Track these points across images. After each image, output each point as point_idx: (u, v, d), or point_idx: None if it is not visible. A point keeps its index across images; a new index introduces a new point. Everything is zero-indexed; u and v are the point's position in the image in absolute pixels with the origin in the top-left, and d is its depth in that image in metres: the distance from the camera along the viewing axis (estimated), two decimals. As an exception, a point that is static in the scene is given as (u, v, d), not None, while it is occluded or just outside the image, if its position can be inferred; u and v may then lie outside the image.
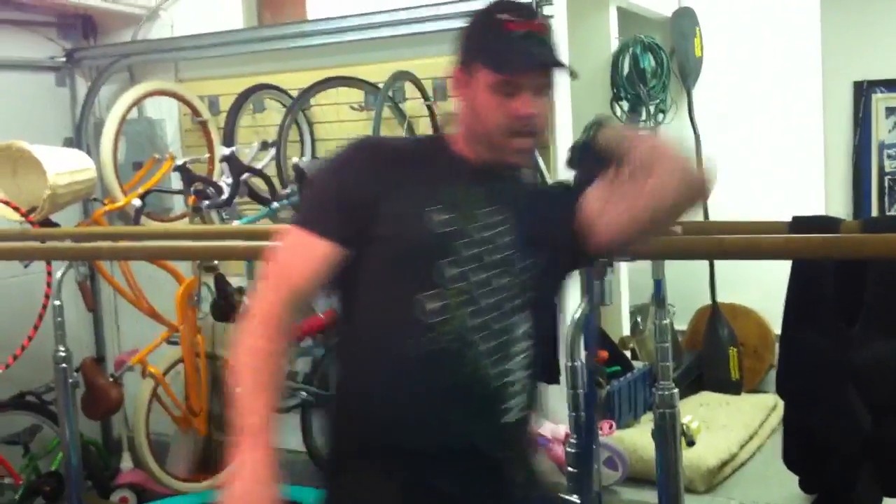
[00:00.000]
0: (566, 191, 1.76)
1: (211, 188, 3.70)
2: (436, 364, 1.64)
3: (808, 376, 2.36)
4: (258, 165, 3.96)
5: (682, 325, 5.04)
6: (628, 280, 4.66)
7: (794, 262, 2.36)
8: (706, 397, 4.68)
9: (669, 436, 2.57)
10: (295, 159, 3.57)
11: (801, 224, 2.35)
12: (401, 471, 1.66)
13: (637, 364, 4.51)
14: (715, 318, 4.89)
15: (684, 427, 3.69)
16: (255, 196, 3.82)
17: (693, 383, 4.81)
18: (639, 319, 4.92)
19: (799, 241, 2.16)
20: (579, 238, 1.68)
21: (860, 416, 2.27)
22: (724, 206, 4.55)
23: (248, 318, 1.64)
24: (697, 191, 1.61)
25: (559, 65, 1.68)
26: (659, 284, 2.58)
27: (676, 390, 2.61)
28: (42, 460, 4.06)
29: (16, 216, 3.62)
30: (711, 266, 4.79)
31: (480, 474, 1.69)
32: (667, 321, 2.65)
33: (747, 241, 2.17)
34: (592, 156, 1.64)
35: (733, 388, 4.77)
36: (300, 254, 1.65)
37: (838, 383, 2.31)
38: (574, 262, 1.87)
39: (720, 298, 4.89)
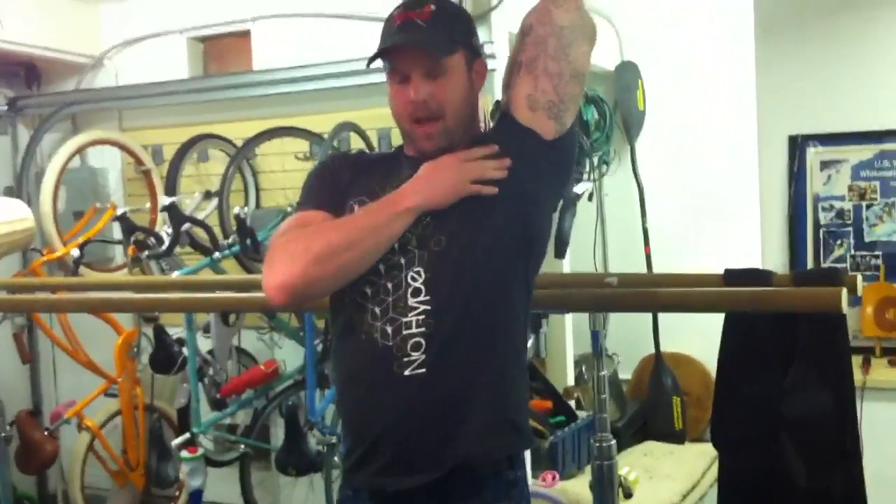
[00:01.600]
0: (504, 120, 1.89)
1: (151, 238, 3.67)
2: (342, 338, 1.83)
3: (741, 426, 2.36)
4: (201, 215, 3.94)
5: (626, 374, 5.06)
6: (573, 330, 4.67)
7: (727, 315, 2.39)
8: (650, 447, 4.68)
9: (607, 488, 2.57)
10: (237, 209, 3.55)
11: (733, 277, 2.37)
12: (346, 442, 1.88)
13: (582, 414, 4.50)
14: (659, 367, 4.90)
15: (622, 479, 3.68)
16: (197, 246, 3.79)
17: (637, 432, 4.82)
18: (583, 369, 4.93)
19: (730, 294, 2.19)
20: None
21: (794, 467, 2.28)
22: (665, 257, 4.67)
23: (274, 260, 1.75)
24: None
25: (424, 43, 1.77)
26: (597, 336, 2.59)
27: (614, 442, 2.62)
28: (-27, 516, 3.95)
29: (-50, 266, 3.56)
30: (655, 316, 4.82)
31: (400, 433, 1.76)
32: (604, 372, 2.66)
33: (681, 294, 2.20)
34: None
35: (677, 437, 4.77)
36: (299, 222, 1.81)
37: (772, 433, 2.32)
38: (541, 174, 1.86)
39: (664, 348, 4.91)
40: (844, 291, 1.96)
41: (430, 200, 1.77)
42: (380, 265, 1.77)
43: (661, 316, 4.84)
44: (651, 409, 4.91)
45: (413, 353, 1.73)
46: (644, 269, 4.82)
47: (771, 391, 2.34)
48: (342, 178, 1.87)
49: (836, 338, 2.23)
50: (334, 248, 1.71)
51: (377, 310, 1.76)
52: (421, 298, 1.74)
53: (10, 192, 4.47)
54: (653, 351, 4.91)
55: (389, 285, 1.76)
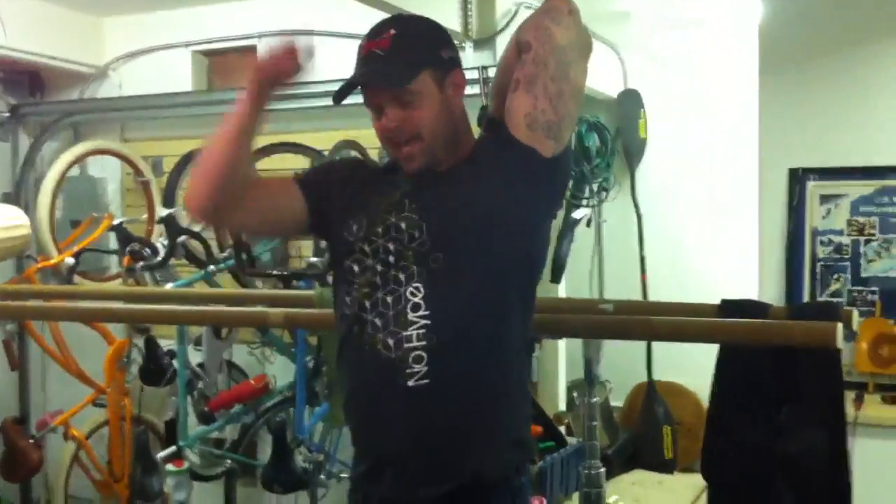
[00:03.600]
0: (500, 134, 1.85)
1: (147, 249, 3.66)
2: (346, 351, 1.87)
3: (734, 462, 2.34)
4: (198, 228, 3.93)
5: (618, 401, 5.03)
6: (566, 355, 4.65)
7: (722, 347, 2.37)
8: (640, 475, 4.65)
9: (595, 515, 2.55)
10: (231, 223, 3.54)
11: (729, 307, 2.36)
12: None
13: (571, 440, 4.48)
14: (651, 395, 4.88)
15: (609, 507, 3.65)
16: (193, 258, 3.78)
17: (628, 461, 4.79)
18: (575, 395, 4.88)
19: (726, 325, 2.18)
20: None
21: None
22: (662, 286, 4.66)
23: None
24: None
25: (380, 77, 1.80)
26: (590, 363, 2.58)
27: (603, 470, 2.61)
28: (-44, 523, 3.92)
29: (-57, 271, 3.55)
30: (648, 344, 4.81)
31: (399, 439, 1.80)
32: (596, 399, 2.66)
33: (675, 323, 2.19)
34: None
35: (667, 467, 4.74)
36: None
37: (765, 471, 2.30)
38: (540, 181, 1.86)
39: (658, 376, 4.88)
40: (840, 326, 1.95)
41: (244, 120, 1.83)
42: (377, 278, 1.80)
43: (655, 344, 4.82)
44: (642, 437, 4.87)
45: (415, 366, 1.76)
46: (640, 297, 4.82)
47: (765, 427, 2.32)
48: (334, 186, 1.93)
49: (832, 374, 2.22)
50: (204, 155, 1.86)
51: (378, 322, 1.79)
52: (421, 313, 1.76)
53: (8, 198, 4.47)
54: (646, 379, 4.90)
55: (389, 299, 1.79)
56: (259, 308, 2.73)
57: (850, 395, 4.57)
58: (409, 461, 1.81)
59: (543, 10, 1.83)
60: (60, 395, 4.39)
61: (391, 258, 1.80)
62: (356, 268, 1.84)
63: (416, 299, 1.77)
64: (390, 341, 1.77)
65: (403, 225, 1.81)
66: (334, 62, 3.94)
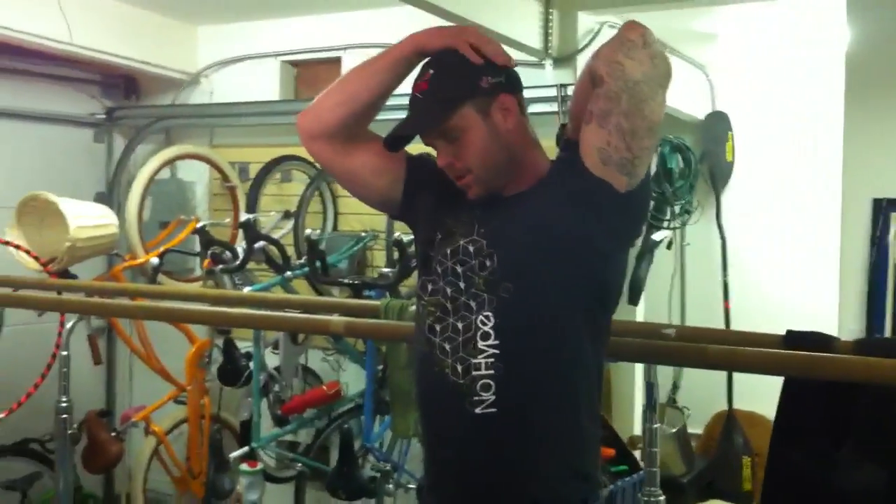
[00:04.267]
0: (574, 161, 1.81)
1: (227, 252, 3.75)
2: (418, 366, 1.89)
3: (791, 497, 2.29)
4: (279, 234, 4.02)
5: (697, 428, 4.95)
6: (642, 378, 4.60)
7: (785, 378, 2.32)
8: (715, 505, 4.57)
9: (654, 544, 2.52)
10: (308, 231, 3.61)
11: (794, 339, 2.31)
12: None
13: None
14: (730, 425, 4.79)
15: (671, 535, 3.58)
16: (272, 263, 3.86)
17: (704, 490, 4.70)
18: (651, 419, 4.84)
19: (783, 356, 2.12)
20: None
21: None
22: (745, 314, 4.58)
23: None
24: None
25: (415, 126, 1.81)
26: (651, 387, 2.54)
27: (663, 497, 2.57)
28: (38, 509, 4.07)
29: (35, 265, 3.70)
30: (729, 373, 4.72)
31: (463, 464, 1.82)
32: (657, 425, 2.61)
33: (729, 353, 2.14)
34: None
35: (744, 499, 4.65)
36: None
37: (822, 507, 2.25)
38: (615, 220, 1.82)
39: (739, 405, 4.80)
40: (906, 365, 1.89)
41: (422, 44, 1.84)
42: (447, 302, 1.81)
43: (738, 373, 4.73)
44: (719, 466, 4.79)
45: (483, 394, 1.76)
46: (722, 325, 4.74)
47: (825, 464, 2.27)
48: (437, 178, 1.89)
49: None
50: (344, 79, 1.89)
51: (447, 346, 1.80)
52: (490, 342, 1.76)
53: (101, 198, 4.63)
54: (726, 407, 4.81)
55: (460, 325, 1.79)
56: (321, 316, 2.77)
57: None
58: (472, 485, 1.82)
59: (617, 40, 1.75)
60: (146, 391, 4.51)
61: (461, 283, 1.80)
62: (429, 286, 1.85)
63: (485, 328, 1.76)
64: (459, 367, 1.77)
65: (472, 249, 1.81)
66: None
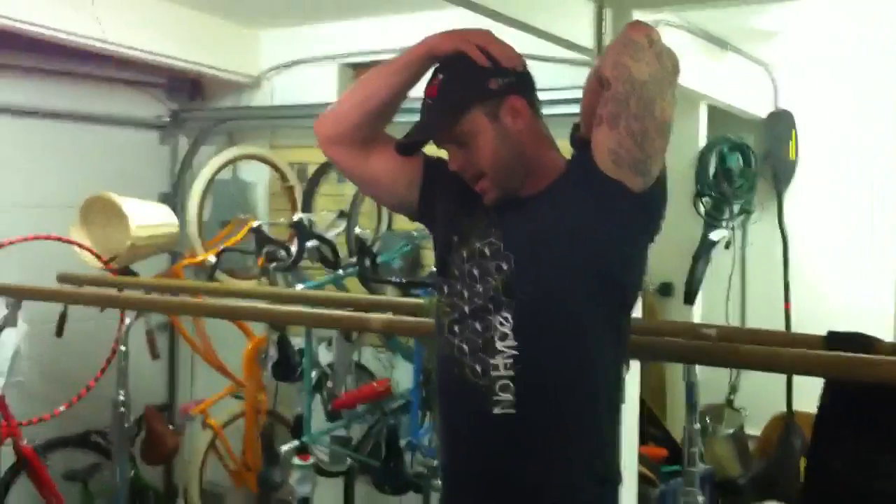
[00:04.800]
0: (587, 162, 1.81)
1: (282, 251, 3.82)
2: (438, 366, 1.93)
3: (830, 501, 2.26)
4: (333, 233, 4.07)
5: (755, 429, 4.88)
6: (699, 380, 4.55)
7: (826, 381, 2.28)
8: (772, 508, 4.50)
9: (694, 545, 2.51)
10: (358, 230, 3.66)
11: (835, 340, 2.27)
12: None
13: (700, 466, 4.37)
14: (789, 427, 4.71)
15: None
16: (326, 262, 3.92)
17: (761, 492, 4.64)
18: (708, 420, 4.80)
19: (819, 358, 2.10)
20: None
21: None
22: (806, 315, 4.49)
23: None
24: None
25: (422, 132, 1.85)
26: (691, 387, 2.53)
27: (701, 498, 2.55)
28: (99, 499, 4.18)
29: (97, 263, 3.82)
30: (788, 374, 4.64)
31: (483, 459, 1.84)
32: (698, 426, 2.59)
33: (765, 354, 2.12)
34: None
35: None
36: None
37: (862, 512, 2.21)
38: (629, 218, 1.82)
39: (800, 407, 4.70)
40: (939, 367, 1.85)
41: (434, 47, 1.85)
42: (465, 306, 1.82)
43: (797, 376, 4.65)
44: (777, 468, 4.71)
45: (502, 394, 1.77)
46: (783, 326, 4.66)
47: (865, 469, 2.23)
48: (455, 179, 1.91)
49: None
50: (361, 81, 1.93)
51: (465, 347, 1.81)
52: (508, 343, 1.77)
53: (166, 198, 4.76)
54: (785, 409, 4.73)
55: (479, 326, 1.81)
56: (361, 314, 2.81)
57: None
58: (490, 484, 1.84)
59: (621, 42, 1.75)
60: (207, 386, 4.62)
61: (478, 286, 1.81)
62: (446, 288, 1.88)
63: (504, 329, 1.78)
64: (478, 368, 1.79)
65: (488, 251, 1.82)
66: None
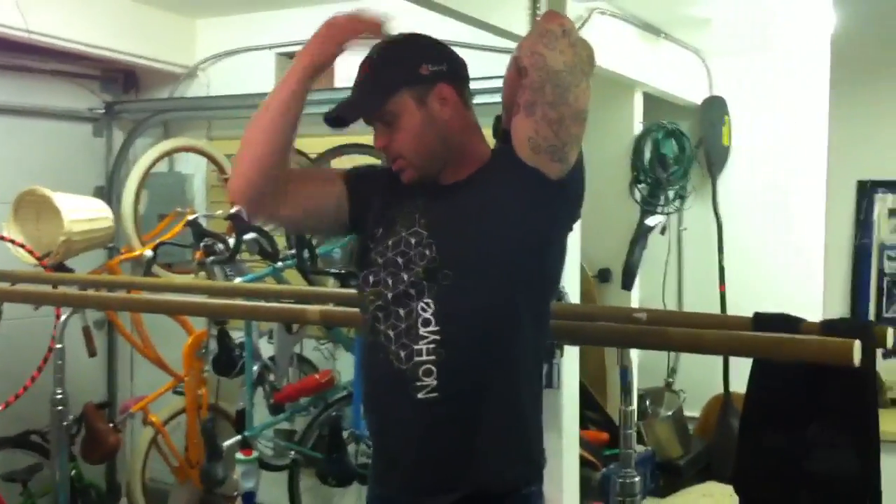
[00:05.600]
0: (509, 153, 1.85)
1: (220, 244, 3.78)
2: (364, 355, 1.95)
3: (761, 478, 2.31)
4: (258, 222, 4.04)
5: (694, 411, 4.98)
6: (638, 363, 4.62)
7: (754, 361, 2.34)
8: (711, 487, 4.57)
9: (632, 525, 2.55)
10: (296, 222, 3.65)
11: (762, 321, 2.33)
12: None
13: (640, 448, 4.44)
14: (727, 407, 4.80)
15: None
16: (265, 254, 3.89)
17: (701, 472, 4.73)
18: (648, 403, 4.88)
19: (745, 338, 2.15)
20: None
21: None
22: (740, 298, 4.59)
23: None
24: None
25: (347, 109, 1.87)
26: (625, 373, 2.57)
27: (637, 478, 2.60)
28: (41, 499, 4.12)
29: (31, 259, 3.76)
30: (725, 356, 4.73)
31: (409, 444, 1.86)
32: (632, 408, 2.63)
33: (693, 336, 2.17)
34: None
35: (741, 481, 4.65)
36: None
37: (791, 487, 2.27)
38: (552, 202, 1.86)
39: (736, 388, 4.80)
40: (857, 345, 1.90)
41: (315, 59, 1.87)
42: (389, 293, 1.84)
43: (735, 357, 4.74)
44: (716, 449, 4.81)
45: (425, 379, 1.80)
46: (718, 308, 4.75)
47: (793, 445, 2.28)
48: (379, 183, 1.95)
49: (864, 393, 2.17)
50: (247, 135, 1.88)
51: (391, 333, 1.84)
52: (431, 329, 1.80)
53: (100, 191, 4.69)
54: (722, 391, 4.82)
55: (401, 312, 1.83)
56: (298, 305, 2.81)
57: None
58: (417, 470, 1.86)
59: (537, 32, 1.79)
60: (147, 383, 4.55)
61: (402, 273, 1.84)
62: (371, 278, 1.89)
63: (426, 314, 1.81)
64: (402, 353, 1.82)
65: (413, 240, 1.85)
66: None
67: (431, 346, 1.80)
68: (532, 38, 1.78)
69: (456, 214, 1.85)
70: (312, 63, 1.86)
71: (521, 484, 1.89)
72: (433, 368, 1.79)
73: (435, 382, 1.79)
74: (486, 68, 2.89)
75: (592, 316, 2.45)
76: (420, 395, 1.80)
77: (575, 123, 1.78)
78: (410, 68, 1.84)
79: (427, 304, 1.81)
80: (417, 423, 1.82)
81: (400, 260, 1.85)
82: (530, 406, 1.92)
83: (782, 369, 2.29)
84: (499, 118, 1.97)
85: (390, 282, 1.85)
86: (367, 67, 1.86)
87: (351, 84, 1.90)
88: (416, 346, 1.80)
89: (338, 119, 1.88)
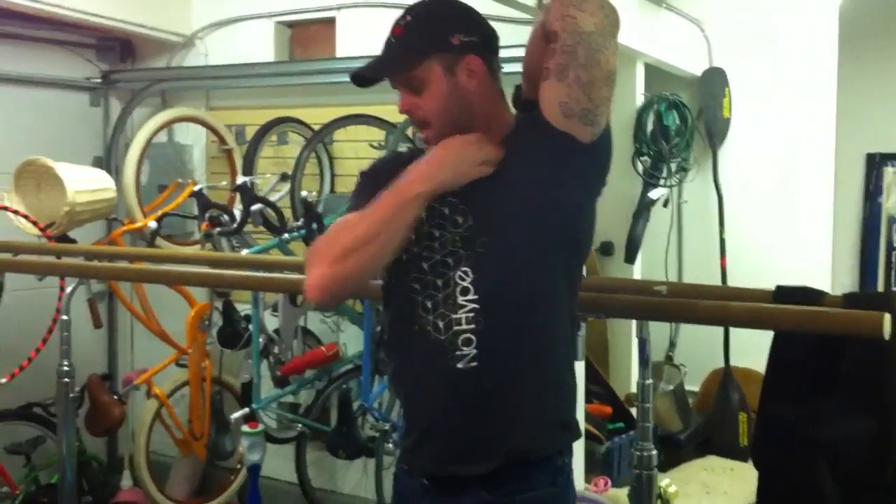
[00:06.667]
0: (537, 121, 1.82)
1: (225, 216, 3.75)
2: (397, 326, 1.92)
3: (779, 449, 2.32)
4: (276, 196, 4.03)
5: (694, 385, 5.00)
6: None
7: (775, 333, 2.34)
8: (711, 461, 4.62)
9: (645, 498, 2.54)
10: (304, 193, 3.63)
11: (784, 294, 2.32)
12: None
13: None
14: (727, 381, 4.83)
15: (661, 490, 3.62)
16: (270, 226, 3.86)
17: (700, 446, 4.76)
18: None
19: (772, 311, 2.14)
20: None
21: (829, 494, 2.23)
22: (741, 270, 4.60)
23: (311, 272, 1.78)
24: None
25: (377, 69, 1.85)
26: (643, 343, 2.56)
27: (655, 452, 2.59)
28: (43, 472, 4.11)
29: (34, 230, 3.72)
30: (726, 330, 4.75)
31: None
32: (650, 381, 2.62)
33: (720, 308, 2.17)
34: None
35: (740, 454, 4.70)
36: (340, 225, 1.83)
37: (809, 458, 2.27)
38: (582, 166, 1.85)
39: (736, 362, 4.83)
40: (887, 317, 1.90)
41: (438, 185, 1.81)
42: (423, 263, 1.83)
43: (733, 331, 4.76)
44: (716, 423, 4.84)
45: (465, 348, 1.79)
46: (718, 281, 4.76)
47: (813, 416, 2.29)
48: (381, 183, 1.87)
49: (883, 366, 2.18)
50: (353, 243, 1.75)
51: (428, 304, 1.82)
52: (469, 297, 1.80)
53: (99, 162, 4.64)
54: (723, 365, 4.85)
55: (439, 282, 1.82)
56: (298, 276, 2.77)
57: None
58: (453, 439, 1.85)
59: None
60: (148, 355, 4.53)
61: (437, 243, 1.83)
62: (403, 255, 1.85)
63: (464, 283, 1.80)
64: (440, 323, 1.81)
65: (447, 210, 1.83)
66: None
67: (470, 314, 1.79)
68: (561, 2, 1.77)
69: (489, 182, 1.84)
70: (426, 192, 1.80)
71: (556, 452, 1.89)
72: (472, 338, 1.79)
73: (475, 352, 1.79)
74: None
75: (613, 288, 2.45)
76: (460, 365, 1.79)
77: (606, 85, 1.77)
78: (442, 36, 1.83)
79: (465, 272, 1.80)
80: (455, 392, 1.82)
81: (436, 232, 1.83)
82: (566, 369, 1.94)
83: (802, 342, 2.30)
84: (518, 87, 1.96)
85: (425, 253, 1.84)
86: (399, 29, 1.84)
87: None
88: (454, 315, 1.79)
89: (364, 77, 1.86)
